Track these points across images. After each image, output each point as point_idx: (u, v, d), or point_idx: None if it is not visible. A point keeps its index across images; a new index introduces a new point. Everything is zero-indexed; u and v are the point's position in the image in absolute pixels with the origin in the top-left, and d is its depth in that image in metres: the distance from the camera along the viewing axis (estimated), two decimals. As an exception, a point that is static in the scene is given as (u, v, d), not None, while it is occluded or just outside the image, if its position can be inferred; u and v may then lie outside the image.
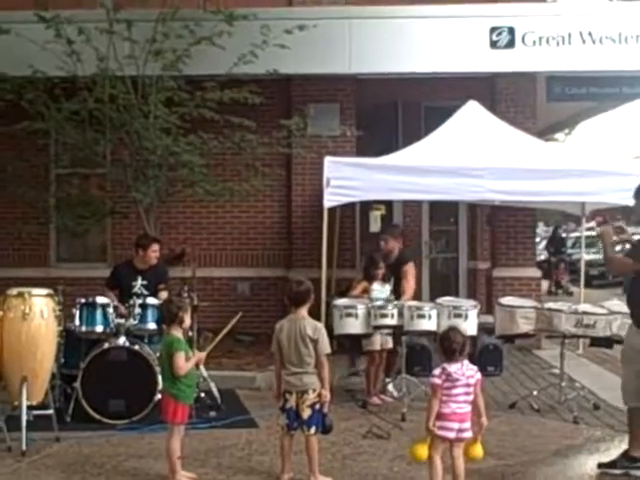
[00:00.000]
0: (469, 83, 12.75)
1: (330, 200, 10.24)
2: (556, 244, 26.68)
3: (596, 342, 9.24)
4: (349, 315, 8.92)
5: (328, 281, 10.55)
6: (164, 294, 9.23)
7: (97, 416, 8.27)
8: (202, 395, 8.77)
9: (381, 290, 9.61)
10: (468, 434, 5.95)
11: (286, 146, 11.71)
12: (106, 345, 8.52)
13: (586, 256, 15.14)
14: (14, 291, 7.62)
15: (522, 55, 12.44)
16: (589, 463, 7.30)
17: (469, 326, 8.56)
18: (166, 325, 6.88)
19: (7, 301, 7.56)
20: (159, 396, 8.00)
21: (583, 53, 12.42)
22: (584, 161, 11.45)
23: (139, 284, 9.35)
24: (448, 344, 6.05)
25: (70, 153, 11.99)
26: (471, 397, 5.96)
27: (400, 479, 6.80)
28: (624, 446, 7.10)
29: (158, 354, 8.24)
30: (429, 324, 8.81)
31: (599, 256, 28.76)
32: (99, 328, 8.69)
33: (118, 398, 8.31)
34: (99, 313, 8.69)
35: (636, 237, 22.21)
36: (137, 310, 8.77)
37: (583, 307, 9.31)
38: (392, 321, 8.89)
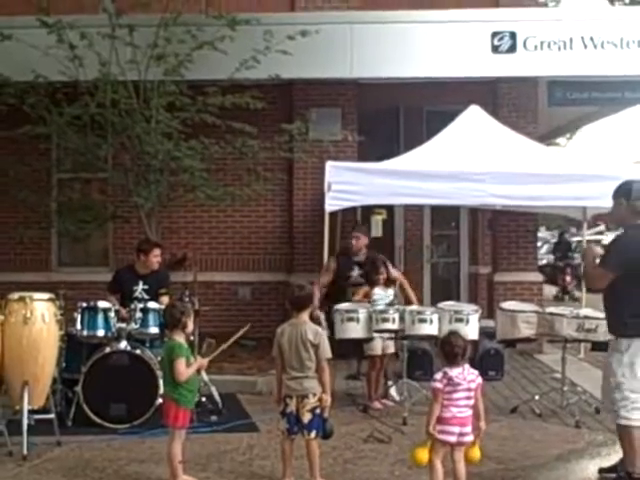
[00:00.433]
0: (471, 88, 12.76)
1: (331, 205, 10.26)
2: (562, 249, 26.24)
3: (597, 346, 9.21)
4: (350, 319, 8.92)
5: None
6: (165, 299, 9.23)
7: (98, 420, 8.26)
8: (203, 399, 8.77)
9: (383, 295, 9.60)
10: (469, 438, 5.96)
11: (288, 151, 11.72)
12: (107, 349, 8.52)
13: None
14: (15, 295, 7.62)
15: (524, 60, 12.45)
16: (591, 467, 7.29)
17: (470, 330, 8.56)
18: (168, 330, 6.88)
19: (8, 305, 7.56)
20: (160, 400, 8.01)
21: (585, 58, 12.43)
22: (585, 166, 11.46)
23: (140, 289, 9.36)
24: (450, 349, 6.06)
25: (72, 158, 12.00)
26: (472, 401, 5.97)
27: (401, 483, 6.82)
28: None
29: (159, 358, 8.27)
30: (430, 328, 8.80)
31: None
32: (100, 332, 8.68)
33: (119, 402, 8.30)
34: (100, 317, 8.68)
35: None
36: (138, 314, 8.77)
37: (584, 311, 9.30)
38: (393, 325, 8.88)
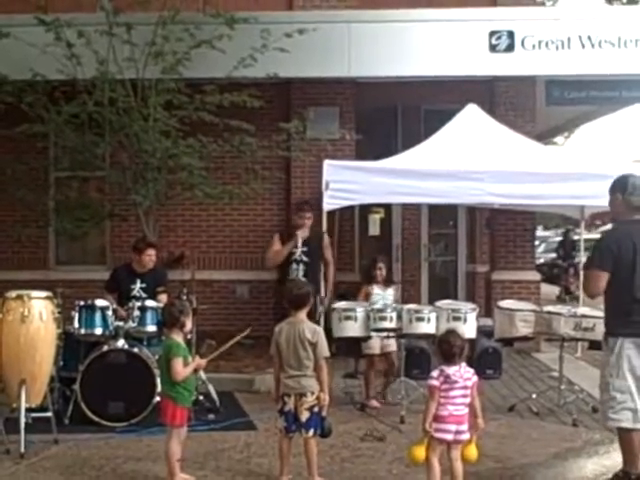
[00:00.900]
0: (468, 87, 12.76)
1: (329, 203, 10.26)
2: (566, 248, 25.48)
3: (595, 345, 9.21)
4: (348, 318, 8.92)
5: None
6: (163, 297, 9.24)
7: (96, 418, 8.27)
8: (201, 398, 8.78)
9: (382, 295, 9.60)
10: (465, 436, 5.97)
11: (285, 149, 11.72)
12: (105, 348, 8.53)
13: (585, 260, 15.10)
14: (13, 294, 7.62)
15: (521, 59, 12.44)
16: (588, 466, 7.32)
17: (468, 329, 8.56)
18: (167, 329, 6.88)
19: (6, 304, 7.56)
20: (158, 399, 8.01)
21: (582, 57, 12.42)
22: (583, 165, 11.46)
23: (138, 287, 9.36)
24: (448, 348, 6.07)
25: (69, 156, 11.99)
26: (468, 399, 5.98)
27: (399, 482, 6.82)
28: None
29: (157, 357, 8.27)
30: (428, 327, 8.81)
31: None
32: (98, 331, 8.70)
33: (117, 401, 8.30)
34: (98, 316, 8.70)
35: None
36: (136, 313, 8.78)
37: (582, 310, 9.31)
38: (391, 324, 8.89)
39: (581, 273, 13.38)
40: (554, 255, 31.20)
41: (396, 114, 14.89)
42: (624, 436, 6.55)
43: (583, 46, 12.41)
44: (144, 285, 9.37)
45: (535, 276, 13.69)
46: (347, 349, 10.65)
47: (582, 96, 13.25)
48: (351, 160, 12.10)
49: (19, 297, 7.58)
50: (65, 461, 7.25)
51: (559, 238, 30.83)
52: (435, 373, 6.02)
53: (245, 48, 10.95)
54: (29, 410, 7.51)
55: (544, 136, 18.65)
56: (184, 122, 10.94)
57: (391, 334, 9.09)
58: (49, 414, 7.77)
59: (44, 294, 7.80)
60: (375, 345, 9.38)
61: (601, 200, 10.39)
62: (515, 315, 9.15)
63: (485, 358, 10.98)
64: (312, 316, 7.73)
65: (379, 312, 8.93)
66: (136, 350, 8.58)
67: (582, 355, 11.91)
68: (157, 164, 10.98)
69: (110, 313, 8.75)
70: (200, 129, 11.18)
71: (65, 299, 8.40)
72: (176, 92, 10.80)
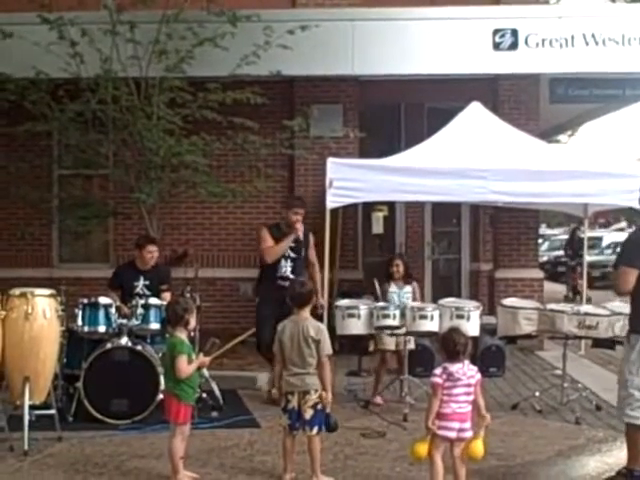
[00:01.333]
0: (472, 85, 12.75)
1: (333, 201, 10.25)
2: (574, 247, 24.42)
3: (598, 343, 9.24)
4: (351, 316, 8.92)
5: (330, 282, 10.55)
6: (167, 295, 9.24)
7: (99, 416, 8.29)
8: (204, 395, 8.77)
9: (398, 293, 9.59)
10: (469, 434, 5.97)
11: (289, 147, 11.72)
12: (108, 345, 8.53)
13: (588, 257, 15.13)
14: (17, 291, 7.62)
15: (525, 57, 12.43)
16: (591, 464, 7.31)
17: (471, 327, 8.56)
18: (171, 326, 6.88)
19: (10, 301, 7.56)
20: (161, 396, 8.03)
21: (586, 55, 12.40)
22: (587, 163, 11.45)
23: (141, 284, 9.37)
24: (451, 345, 6.06)
25: (73, 154, 12.00)
26: (472, 397, 5.98)
27: (402, 479, 6.81)
28: (625, 447, 7.09)
29: (160, 354, 8.28)
30: (431, 325, 8.81)
31: (601, 257, 28.90)
32: (101, 328, 8.69)
33: (120, 398, 8.32)
34: (101, 313, 8.70)
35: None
36: (140, 310, 8.78)
37: (585, 308, 9.32)
38: (394, 322, 8.89)
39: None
40: (558, 253, 31.20)
41: (399, 112, 14.90)
42: (634, 433, 6.55)
43: (587, 44, 12.39)
44: (147, 282, 9.38)
45: (538, 274, 13.70)
46: (350, 347, 10.68)
47: (586, 94, 13.25)
48: (354, 158, 12.13)
49: (23, 295, 7.58)
50: (68, 458, 7.26)
51: (564, 236, 30.83)
52: (438, 371, 6.01)
53: (248, 46, 10.95)
54: (33, 407, 7.52)
55: (548, 134, 18.64)
56: (187, 120, 10.95)
57: (394, 332, 9.09)
58: (53, 411, 7.77)
59: (48, 292, 7.80)
60: (389, 341, 9.37)
61: (604, 198, 10.54)
62: (518, 313, 9.14)
63: (488, 356, 10.99)
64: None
65: (382, 310, 8.93)
66: (139, 348, 8.59)
67: (585, 353, 11.91)
68: (160, 162, 10.98)
69: (113, 311, 8.75)
70: (203, 127, 11.18)
71: (68, 297, 8.42)
72: (179, 90, 10.80)
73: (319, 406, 6.52)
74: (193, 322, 6.87)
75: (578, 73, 12.78)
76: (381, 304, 9.14)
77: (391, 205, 14.69)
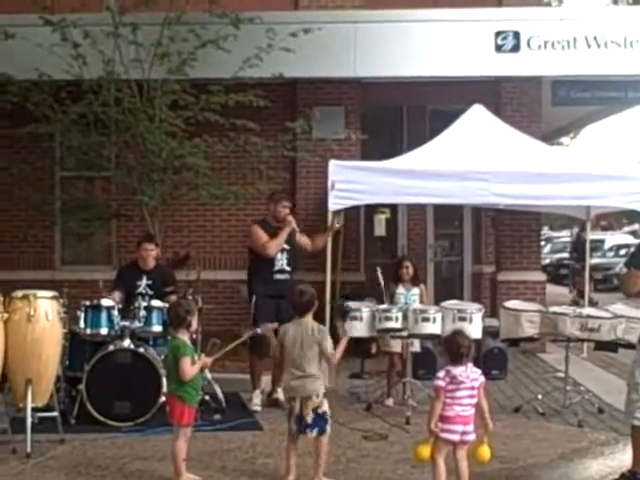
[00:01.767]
0: (474, 87, 12.75)
1: (335, 203, 10.25)
2: (580, 249, 24.88)
3: (601, 346, 9.24)
4: (354, 318, 8.92)
5: (332, 284, 10.55)
6: (173, 298, 9.22)
7: (102, 418, 8.28)
8: (206, 398, 8.77)
9: (405, 295, 9.59)
10: (472, 437, 5.96)
11: (291, 149, 11.72)
12: (111, 347, 8.53)
13: (590, 260, 15.13)
14: (19, 293, 7.61)
15: (527, 59, 12.44)
16: (594, 467, 7.31)
17: (474, 329, 8.54)
18: (173, 328, 6.88)
19: (12, 303, 7.55)
20: (163, 398, 8.03)
21: (588, 57, 12.41)
22: (589, 165, 11.47)
23: (144, 284, 9.36)
24: (455, 348, 6.05)
25: (75, 156, 12.01)
26: (475, 400, 5.97)
27: (404, 482, 6.82)
28: (629, 450, 7.09)
29: (163, 356, 8.28)
30: (434, 327, 8.81)
31: (604, 260, 28.91)
32: (104, 330, 8.69)
33: (123, 400, 8.31)
34: (104, 315, 8.69)
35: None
36: (142, 312, 8.78)
37: (587, 311, 9.32)
38: (397, 324, 8.88)
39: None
40: (560, 256, 31.19)
41: (402, 114, 14.90)
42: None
43: (589, 46, 12.40)
44: (150, 282, 9.38)
45: (541, 277, 13.69)
46: (353, 349, 10.66)
47: (588, 96, 13.25)
48: (357, 160, 12.12)
49: (25, 297, 7.57)
50: (71, 461, 7.25)
51: (566, 238, 30.81)
52: (441, 374, 6.01)
53: (250, 48, 10.96)
54: (35, 410, 7.51)
55: (550, 136, 18.64)
56: (190, 122, 10.95)
57: (397, 334, 9.08)
58: (55, 414, 7.77)
59: (50, 294, 7.79)
60: (395, 344, 9.37)
61: (607, 200, 10.54)
62: (521, 315, 9.14)
63: (491, 358, 10.98)
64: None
65: (384, 312, 8.93)
66: (142, 350, 8.59)
67: (588, 356, 11.90)
68: (163, 164, 10.98)
69: (116, 313, 8.75)
70: (206, 129, 11.19)
71: (71, 299, 8.42)
72: (182, 92, 10.80)
73: (319, 410, 6.51)
74: (195, 324, 6.86)
75: (580, 75, 12.78)
76: (383, 306, 9.13)
77: (393, 207, 14.68)
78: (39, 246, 13.55)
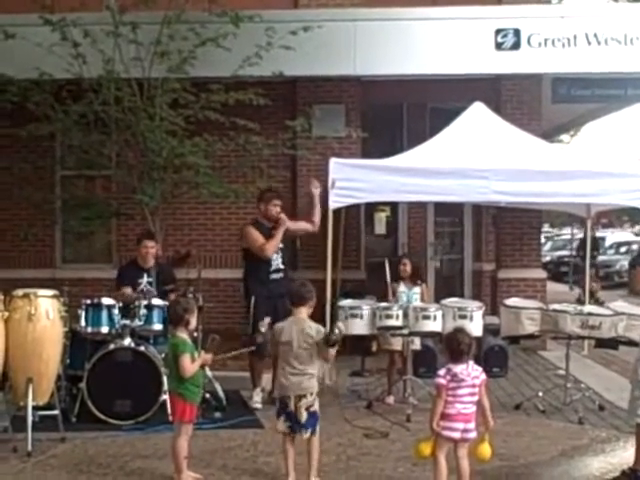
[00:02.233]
0: (474, 85, 12.74)
1: (335, 201, 10.26)
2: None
3: (601, 343, 9.24)
4: (354, 316, 8.93)
5: (333, 282, 10.55)
6: (174, 297, 9.24)
7: (102, 417, 8.29)
8: (207, 396, 8.77)
9: (407, 293, 9.59)
10: (473, 434, 5.97)
11: (291, 148, 11.72)
12: (111, 346, 8.54)
13: (592, 258, 15.13)
14: (20, 292, 7.62)
15: (527, 57, 12.42)
16: (594, 464, 7.31)
17: (474, 327, 8.54)
18: (172, 326, 6.89)
19: (13, 302, 7.56)
20: (164, 397, 8.04)
21: (588, 55, 12.40)
22: (589, 162, 11.46)
23: (145, 281, 9.37)
24: (456, 345, 6.06)
25: (75, 155, 12.01)
26: (476, 398, 5.98)
27: (405, 480, 6.82)
28: (629, 447, 7.10)
29: (163, 355, 8.28)
30: (434, 325, 8.82)
31: (605, 257, 28.89)
32: (104, 329, 8.71)
33: (123, 399, 8.33)
34: (104, 314, 8.71)
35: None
36: (142, 311, 8.79)
37: (588, 308, 9.32)
38: (397, 322, 8.89)
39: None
40: (561, 253, 31.19)
41: (402, 112, 14.90)
42: None
43: (589, 44, 12.39)
44: (151, 280, 9.39)
45: (541, 274, 13.69)
46: (353, 347, 10.68)
47: (588, 94, 13.24)
48: (357, 158, 12.12)
49: (26, 295, 7.58)
50: (72, 459, 7.26)
51: (567, 236, 30.77)
52: (442, 372, 6.01)
53: (250, 46, 10.95)
54: (36, 408, 7.53)
55: (550, 134, 18.64)
56: (190, 121, 10.95)
57: (397, 332, 9.09)
58: (56, 412, 7.79)
59: (51, 292, 7.80)
60: (395, 341, 9.37)
61: (607, 198, 10.54)
62: (521, 313, 9.14)
63: (491, 356, 10.99)
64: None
65: (385, 310, 8.94)
66: (142, 348, 8.60)
67: (589, 353, 11.90)
68: (163, 163, 10.98)
69: (116, 311, 8.76)
70: (206, 128, 11.19)
71: (71, 297, 8.42)
72: (182, 91, 10.80)
73: (312, 408, 6.50)
74: (194, 322, 6.86)
75: (580, 73, 12.77)
76: (384, 304, 9.14)
77: (394, 205, 14.68)
78: (40, 245, 13.56)
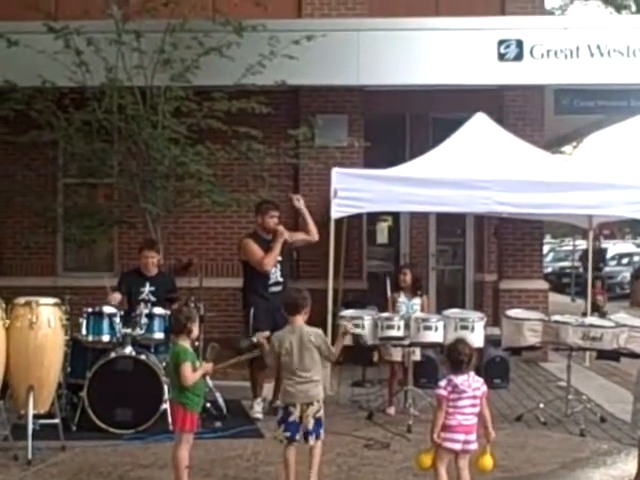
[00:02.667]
0: (477, 95, 12.75)
1: (337, 211, 10.26)
2: (594, 258, 23.44)
3: (603, 355, 9.23)
4: (355, 326, 8.90)
5: (335, 292, 10.55)
6: (175, 305, 9.22)
7: (103, 425, 8.27)
8: (208, 405, 8.76)
9: (408, 304, 9.58)
10: (474, 446, 5.96)
11: (293, 157, 11.74)
12: (112, 354, 8.53)
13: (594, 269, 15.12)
14: (21, 300, 7.62)
15: (530, 68, 12.43)
16: (596, 476, 7.29)
17: (476, 338, 8.54)
18: (174, 335, 6.87)
19: (14, 310, 7.56)
20: (165, 406, 8.03)
21: (591, 66, 12.40)
22: (591, 174, 11.50)
23: (147, 290, 9.36)
24: (456, 356, 6.06)
25: (78, 163, 12.02)
26: (477, 409, 5.97)
27: (406, 491, 6.81)
28: (631, 459, 7.08)
29: (165, 364, 8.27)
30: (435, 336, 8.80)
31: (607, 269, 28.83)
32: (105, 337, 8.69)
33: (124, 407, 8.30)
34: (106, 322, 8.70)
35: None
36: (144, 320, 8.78)
37: (590, 320, 9.30)
38: (398, 332, 8.87)
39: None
40: (563, 264, 31.16)
41: (404, 122, 14.90)
42: None
43: (592, 55, 12.40)
44: (153, 288, 9.38)
45: (543, 285, 13.68)
46: (354, 357, 10.67)
47: (590, 105, 13.24)
48: (359, 168, 12.12)
49: (27, 303, 7.57)
50: (72, 468, 7.25)
51: (570, 247, 30.71)
52: (443, 383, 6.00)
53: (253, 55, 10.98)
54: (37, 417, 7.51)
55: (552, 145, 18.65)
56: (193, 129, 10.96)
57: (398, 343, 9.07)
58: (56, 421, 7.77)
59: (52, 301, 7.79)
60: (395, 352, 9.36)
61: (609, 209, 10.53)
62: (523, 324, 9.13)
63: (493, 367, 10.97)
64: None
65: (387, 320, 8.93)
66: (143, 357, 8.58)
67: (590, 365, 11.89)
68: (165, 171, 11.00)
69: (118, 320, 8.75)
70: (208, 136, 11.20)
71: (73, 306, 8.42)
72: (185, 99, 10.82)
73: (318, 414, 6.49)
74: (196, 331, 6.85)
75: (583, 84, 12.77)
76: (385, 314, 9.13)
77: (395, 215, 14.68)
78: (41, 253, 13.57)
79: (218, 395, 9.04)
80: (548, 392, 10.65)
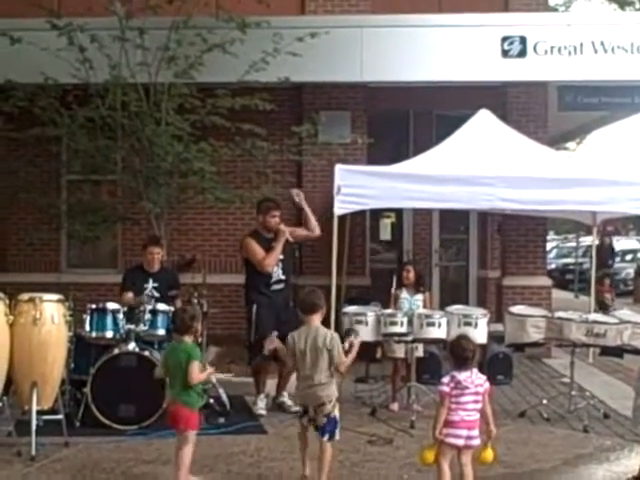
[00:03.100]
0: (480, 92, 12.73)
1: (341, 208, 10.25)
2: (603, 255, 21.07)
3: (606, 351, 9.23)
4: (359, 322, 8.91)
5: (338, 288, 10.55)
6: (179, 302, 9.24)
7: (106, 421, 8.28)
8: (211, 401, 8.76)
9: (409, 300, 9.58)
10: (476, 442, 5.96)
11: (297, 153, 11.75)
12: (116, 351, 8.54)
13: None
14: (25, 296, 7.64)
15: (534, 64, 12.42)
16: (599, 472, 7.29)
17: (479, 334, 8.55)
18: (179, 334, 6.85)
19: (18, 306, 7.58)
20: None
21: (595, 63, 12.39)
22: (595, 170, 11.44)
23: (150, 286, 9.38)
24: (460, 352, 6.06)
25: (81, 160, 12.03)
26: (480, 405, 5.97)
27: (408, 487, 6.81)
28: (634, 455, 7.08)
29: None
30: (439, 332, 8.81)
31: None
32: (109, 334, 8.70)
33: (127, 404, 8.32)
34: (109, 319, 8.70)
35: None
36: (147, 316, 8.79)
37: (593, 316, 9.30)
38: (402, 329, 8.88)
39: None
40: (566, 261, 31.11)
41: (408, 119, 14.91)
42: None
43: (596, 52, 12.38)
44: (156, 285, 9.40)
45: (547, 282, 13.66)
46: (358, 354, 10.64)
47: (594, 102, 13.22)
48: (363, 165, 12.11)
49: (31, 300, 7.60)
50: (76, 464, 7.26)
51: (573, 244, 30.63)
52: (446, 379, 6.01)
53: (257, 52, 10.97)
54: (40, 413, 7.52)
55: (556, 142, 18.62)
56: (196, 126, 10.96)
57: (402, 339, 9.08)
58: (60, 417, 7.78)
59: (56, 297, 7.81)
60: (398, 349, 9.37)
61: (613, 206, 10.52)
62: (526, 321, 9.13)
63: (496, 364, 10.97)
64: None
65: (390, 317, 8.93)
66: (147, 353, 8.59)
67: (593, 361, 11.88)
68: (169, 168, 10.99)
69: (121, 316, 8.75)
70: (212, 133, 11.19)
71: (76, 302, 8.43)
72: (188, 96, 10.82)
73: (332, 414, 6.50)
74: (199, 328, 6.86)
75: (587, 81, 12.75)
76: (389, 311, 9.14)
77: (399, 212, 14.68)
78: (45, 249, 13.59)
79: (221, 391, 9.03)
80: (551, 388, 10.65)
